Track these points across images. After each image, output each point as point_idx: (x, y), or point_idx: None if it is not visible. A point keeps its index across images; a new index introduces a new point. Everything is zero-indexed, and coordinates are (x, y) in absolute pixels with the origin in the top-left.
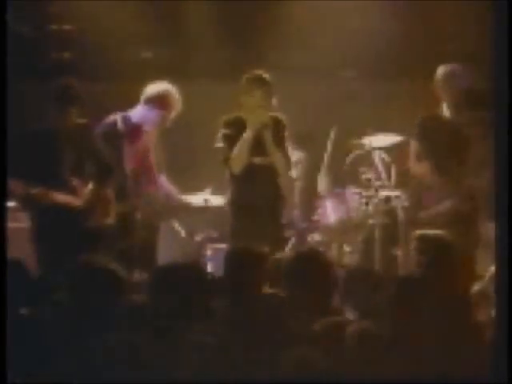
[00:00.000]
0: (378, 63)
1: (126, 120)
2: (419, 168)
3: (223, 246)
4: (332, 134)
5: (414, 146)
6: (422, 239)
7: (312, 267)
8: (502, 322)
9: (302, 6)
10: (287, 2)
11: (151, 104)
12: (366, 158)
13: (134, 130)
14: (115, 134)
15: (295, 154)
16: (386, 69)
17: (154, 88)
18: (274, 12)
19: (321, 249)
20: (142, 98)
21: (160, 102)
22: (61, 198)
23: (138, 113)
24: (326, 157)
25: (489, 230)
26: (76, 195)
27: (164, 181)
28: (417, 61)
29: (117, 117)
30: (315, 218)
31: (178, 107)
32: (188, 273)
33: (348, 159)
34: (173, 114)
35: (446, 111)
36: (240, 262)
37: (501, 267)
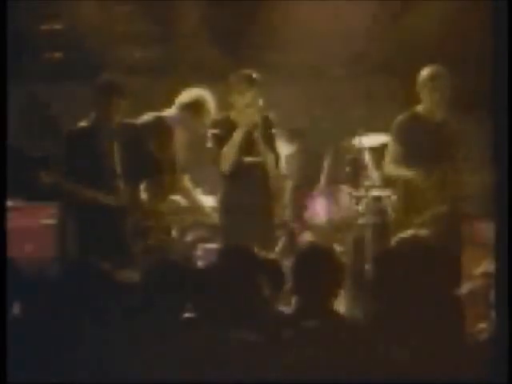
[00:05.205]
0: (368, 63)
1: (158, 121)
2: (394, 170)
3: (214, 245)
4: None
5: (391, 147)
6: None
7: (321, 265)
8: (502, 321)
9: (294, 7)
10: (279, 2)
11: (185, 110)
12: (357, 157)
13: (167, 132)
14: (150, 133)
15: (286, 151)
16: (376, 68)
17: (188, 94)
18: (266, 12)
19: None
20: (177, 102)
21: (194, 108)
22: (102, 197)
23: (171, 116)
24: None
25: (480, 229)
26: (117, 195)
27: (188, 183)
28: (407, 61)
29: (150, 117)
30: (306, 217)
31: (212, 112)
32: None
33: (339, 158)
34: (207, 119)
35: (427, 112)
36: (231, 262)
37: (501, 267)
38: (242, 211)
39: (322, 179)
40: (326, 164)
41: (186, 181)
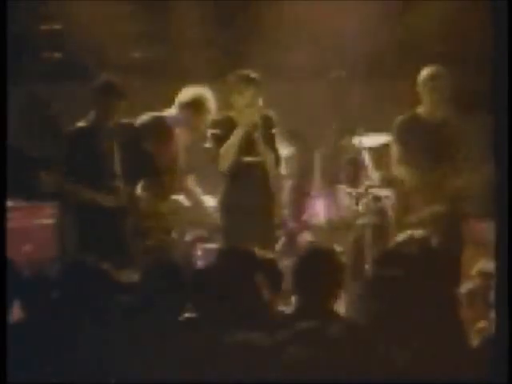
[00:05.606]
0: (367, 64)
1: (159, 121)
2: (394, 170)
3: (214, 245)
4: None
5: (394, 148)
6: (404, 241)
7: (321, 265)
8: (502, 321)
9: (293, 8)
10: (277, 2)
11: (185, 109)
12: (357, 157)
13: (167, 132)
14: (149, 134)
15: (286, 151)
16: (376, 69)
17: (188, 93)
18: (265, 13)
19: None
20: (177, 101)
21: (194, 107)
22: (99, 199)
23: (171, 115)
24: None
25: (480, 229)
26: (117, 195)
27: (192, 184)
28: (406, 61)
29: (150, 116)
30: (305, 217)
31: (213, 110)
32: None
33: (338, 159)
34: (208, 118)
35: (427, 112)
36: (230, 262)
37: (501, 267)
38: (242, 211)
39: (317, 178)
40: (316, 163)
41: (191, 181)
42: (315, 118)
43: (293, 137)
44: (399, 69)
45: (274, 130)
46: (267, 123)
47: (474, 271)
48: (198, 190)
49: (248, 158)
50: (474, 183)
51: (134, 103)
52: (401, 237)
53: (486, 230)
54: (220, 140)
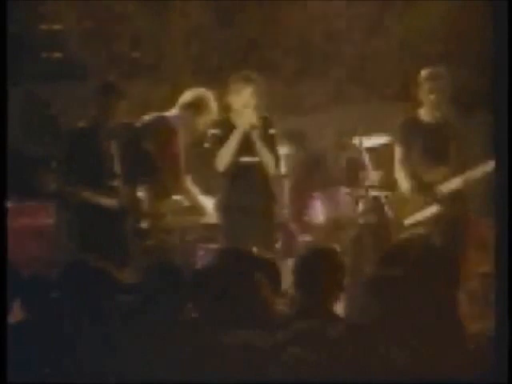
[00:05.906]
0: (367, 64)
1: (161, 121)
2: (400, 171)
3: (214, 245)
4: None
5: (395, 149)
6: (403, 241)
7: (322, 265)
8: (502, 321)
9: (292, 8)
10: (277, 2)
11: (186, 110)
12: (356, 157)
13: (167, 132)
14: (150, 134)
15: (286, 150)
16: (377, 68)
17: (189, 94)
18: (265, 12)
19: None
20: (178, 102)
21: (195, 107)
22: (99, 199)
23: (172, 116)
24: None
25: (480, 229)
26: (117, 195)
27: (190, 183)
28: (406, 61)
29: (152, 117)
30: (305, 217)
31: (214, 111)
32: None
33: (339, 159)
34: (208, 119)
35: (427, 112)
36: (229, 262)
37: (501, 267)
38: (242, 212)
39: (317, 178)
40: (316, 163)
41: (188, 181)
42: (315, 117)
43: (293, 137)
44: (399, 69)
45: (272, 131)
46: (266, 123)
47: (474, 271)
48: (196, 190)
49: (247, 159)
50: (473, 183)
51: (134, 103)
52: (401, 237)
53: (486, 229)
54: (220, 140)
